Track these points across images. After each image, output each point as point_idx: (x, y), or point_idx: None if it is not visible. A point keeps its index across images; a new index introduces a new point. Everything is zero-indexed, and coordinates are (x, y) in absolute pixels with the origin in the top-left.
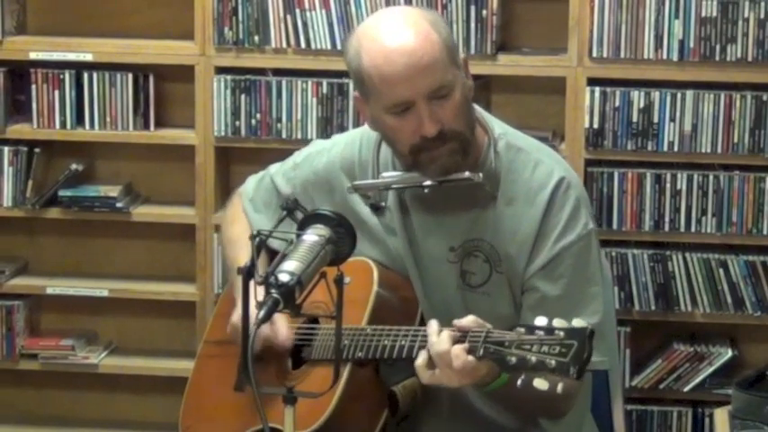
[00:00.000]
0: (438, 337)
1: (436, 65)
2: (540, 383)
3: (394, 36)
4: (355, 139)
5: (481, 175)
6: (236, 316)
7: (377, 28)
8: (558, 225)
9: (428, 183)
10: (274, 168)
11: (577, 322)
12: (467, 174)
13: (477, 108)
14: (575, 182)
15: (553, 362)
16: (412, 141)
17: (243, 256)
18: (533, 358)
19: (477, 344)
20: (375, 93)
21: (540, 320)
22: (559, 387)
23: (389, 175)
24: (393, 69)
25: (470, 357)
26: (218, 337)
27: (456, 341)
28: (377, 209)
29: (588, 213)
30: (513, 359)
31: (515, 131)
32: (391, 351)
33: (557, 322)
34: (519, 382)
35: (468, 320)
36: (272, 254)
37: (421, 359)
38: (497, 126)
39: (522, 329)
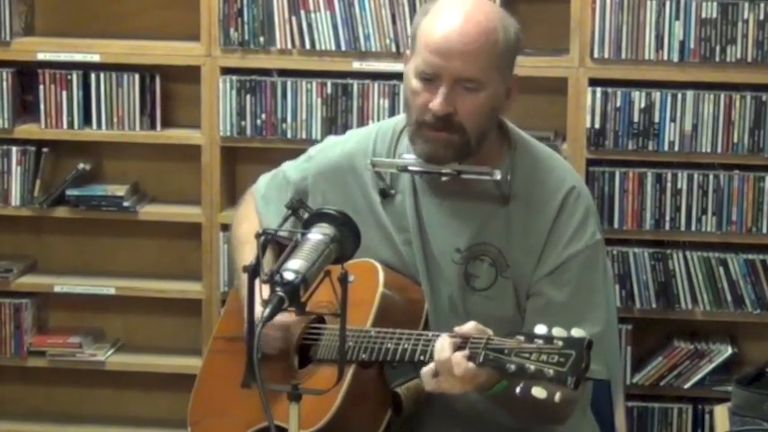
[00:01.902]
0: (439, 345)
1: (478, 57)
2: (539, 392)
3: (461, 14)
4: (371, 133)
5: (499, 173)
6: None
7: (454, 2)
8: (566, 233)
9: (446, 170)
10: (287, 165)
11: (576, 332)
12: (487, 168)
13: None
14: (585, 192)
15: (551, 371)
16: (422, 111)
17: (248, 256)
18: (532, 367)
19: (477, 351)
20: (417, 51)
21: (540, 329)
22: (557, 396)
23: (409, 157)
24: (439, 38)
25: (471, 364)
26: (228, 333)
27: (457, 348)
28: (386, 195)
29: (596, 224)
30: (513, 367)
31: (530, 139)
32: (394, 354)
33: (556, 331)
34: (518, 389)
35: (469, 327)
36: (281, 249)
37: (426, 368)
38: (514, 134)
39: (522, 337)
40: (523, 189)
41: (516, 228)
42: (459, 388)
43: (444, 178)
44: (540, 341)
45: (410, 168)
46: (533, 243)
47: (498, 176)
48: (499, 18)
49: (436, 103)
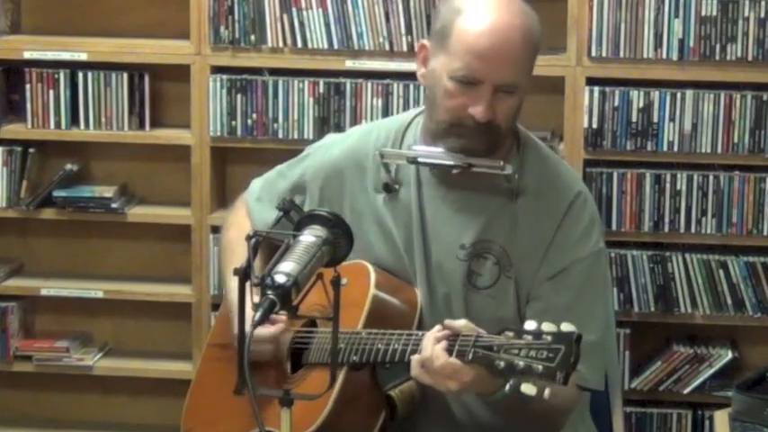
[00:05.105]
0: (423, 343)
1: (521, 63)
2: (528, 389)
3: (501, 16)
4: (372, 131)
5: (510, 167)
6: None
7: (488, 2)
8: (571, 237)
9: (458, 163)
10: (282, 165)
11: (565, 326)
12: (498, 162)
13: None
14: (590, 200)
15: (540, 367)
16: (459, 114)
17: (233, 262)
18: (521, 363)
19: (466, 348)
20: (452, 53)
21: (530, 324)
22: (546, 392)
23: (420, 148)
24: (483, 44)
25: (452, 359)
26: (221, 339)
27: (439, 340)
28: (389, 190)
29: (600, 233)
30: (502, 364)
31: (537, 139)
32: (384, 355)
33: (545, 326)
34: (507, 387)
35: (460, 324)
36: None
37: (416, 356)
38: (523, 132)
39: (511, 333)
40: (532, 187)
41: (522, 225)
42: (444, 385)
43: (455, 171)
44: (529, 337)
45: (420, 160)
46: (538, 243)
47: (509, 171)
48: (530, 17)
49: (479, 110)
